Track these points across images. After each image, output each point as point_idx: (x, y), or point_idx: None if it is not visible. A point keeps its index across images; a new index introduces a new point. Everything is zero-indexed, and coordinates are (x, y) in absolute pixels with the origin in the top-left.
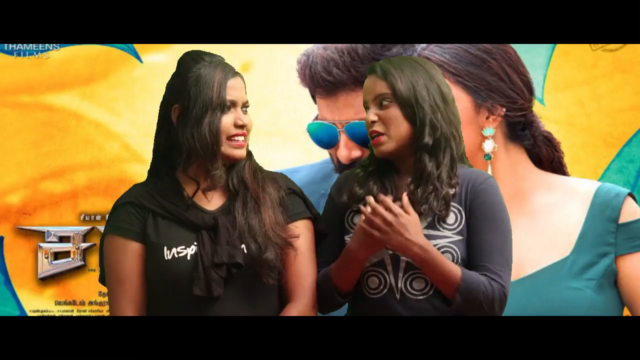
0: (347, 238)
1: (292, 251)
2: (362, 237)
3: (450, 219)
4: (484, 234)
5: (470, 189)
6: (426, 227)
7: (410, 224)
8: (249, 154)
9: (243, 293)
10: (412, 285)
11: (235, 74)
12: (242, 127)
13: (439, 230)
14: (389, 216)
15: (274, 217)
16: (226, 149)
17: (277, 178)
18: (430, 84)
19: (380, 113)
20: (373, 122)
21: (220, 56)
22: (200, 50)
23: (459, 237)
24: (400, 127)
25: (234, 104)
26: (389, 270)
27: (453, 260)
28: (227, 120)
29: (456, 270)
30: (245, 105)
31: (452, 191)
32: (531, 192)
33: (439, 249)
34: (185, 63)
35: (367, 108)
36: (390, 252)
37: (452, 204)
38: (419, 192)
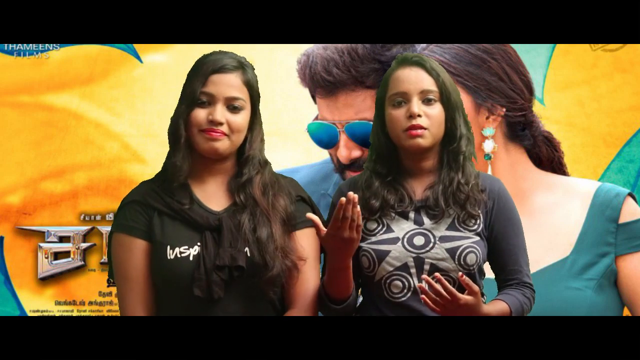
0: (363, 245)
1: (298, 272)
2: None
3: (471, 220)
4: (510, 238)
5: (489, 193)
6: (447, 229)
7: (471, 307)
8: (264, 165)
9: (244, 296)
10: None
11: (228, 69)
12: (212, 122)
13: (460, 231)
14: (451, 305)
15: (283, 236)
16: (198, 139)
17: (291, 190)
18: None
19: (426, 109)
20: (419, 115)
21: (233, 54)
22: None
23: (478, 238)
24: (441, 127)
25: (212, 99)
26: (412, 273)
27: (477, 260)
28: (199, 114)
29: (505, 308)
30: (231, 103)
31: (484, 196)
32: (531, 192)
33: (463, 249)
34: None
35: (404, 99)
36: (414, 255)
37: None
38: (450, 198)
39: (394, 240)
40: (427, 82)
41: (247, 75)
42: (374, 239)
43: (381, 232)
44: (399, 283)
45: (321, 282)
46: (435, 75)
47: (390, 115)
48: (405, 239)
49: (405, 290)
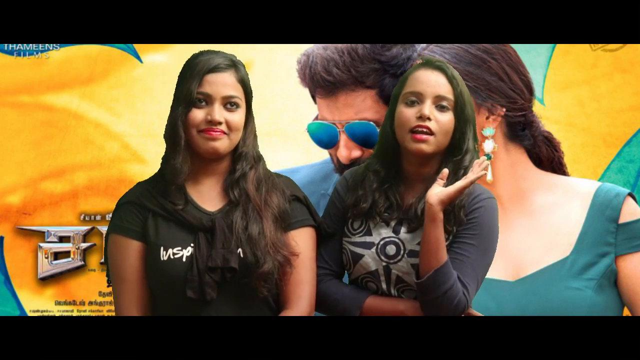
0: (344, 241)
1: (291, 267)
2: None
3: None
4: (464, 244)
5: (467, 205)
6: (419, 243)
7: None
8: (257, 160)
9: (238, 297)
10: (404, 294)
11: (222, 68)
12: (211, 122)
13: None
14: None
15: (275, 232)
16: (197, 140)
17: (284, 188)
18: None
19: (437, 115)
20: (428, 118)
21: (223, 53)
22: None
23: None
24: (447, 136)
25: (209, 99)
26: (381, 280)
27: None
28: (197, 115)
29: (445, 255)
30: (228, 102)
31: (461, 213)
32: (531, 192)
33: None
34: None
35: (418, 99)
36: (384, 263)
37: None
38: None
39: (370, 245)
40: (444, 89)
41: (241, 73)
42: (353, 239)
43: (361, 233)
44: (372, 285)
45: (357, 302)
46: (455, 84)
47: (400, 112)
48: (379, 246)
49: (379, 293)
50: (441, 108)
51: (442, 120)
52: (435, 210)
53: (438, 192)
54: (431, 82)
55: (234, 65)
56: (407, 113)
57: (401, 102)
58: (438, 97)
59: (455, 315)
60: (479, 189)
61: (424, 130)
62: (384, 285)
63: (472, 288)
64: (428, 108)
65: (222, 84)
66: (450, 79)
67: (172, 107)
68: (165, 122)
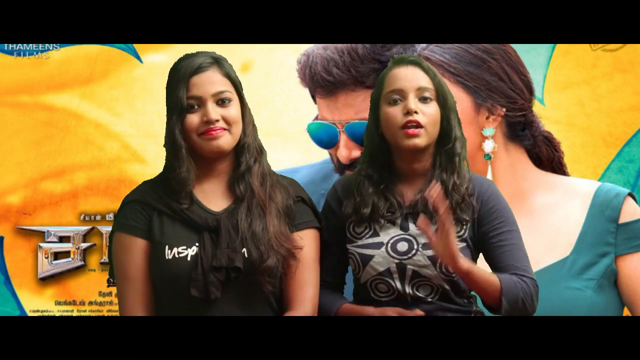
0: (350, 247)
1: (296, 261)
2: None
3: (457, 226)
4: (502, 234)
5: (477, 196)
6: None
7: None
8: (260, 153)
9: (242, 297)
10: (419, 291)
11: (205, 67)
12: (208, 122)
13: None
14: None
15: (279, 226)
16: (200, 143)
17: (288, 186)
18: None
19: (422, 107)
20: (415, 112)
21: (203, 52)
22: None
23: (464, 244)
24: (436, 126)
25: (200, 101)
26: (395, 277)
27: None
28: (193, 120)
29: (494, 276)
30: (219, 98)
31: (472, 200)
32: (531, 192)
33: None
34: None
35: (400, 97)
36: (397, 261)
37: None
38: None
39: (378, 245)
40: (423, 80)
41: (225, 68)
42: (360, 242)
43: (367, 235)
44: (383, 286)
45: (333, 306)
46: (432, 74)
47: (386, 113)
48: (389, 245)
49: (391, 292)
50: (424, 100)
51: (429, 112)
52: (459, 267)
53: (442, 255)
54: (409, 76)
55: (216, 61)
56: (393, 112)
57: (384, 103)
58: (420, 90)
59: (535, 301)
60: (476, 178)
61: (414, 124)
62: (397, 284)
63: (529, 266)
64: (413, 102)
65: (209, 82)
66: (427, 71)
67: (167, 117)
68: (165, 123)
